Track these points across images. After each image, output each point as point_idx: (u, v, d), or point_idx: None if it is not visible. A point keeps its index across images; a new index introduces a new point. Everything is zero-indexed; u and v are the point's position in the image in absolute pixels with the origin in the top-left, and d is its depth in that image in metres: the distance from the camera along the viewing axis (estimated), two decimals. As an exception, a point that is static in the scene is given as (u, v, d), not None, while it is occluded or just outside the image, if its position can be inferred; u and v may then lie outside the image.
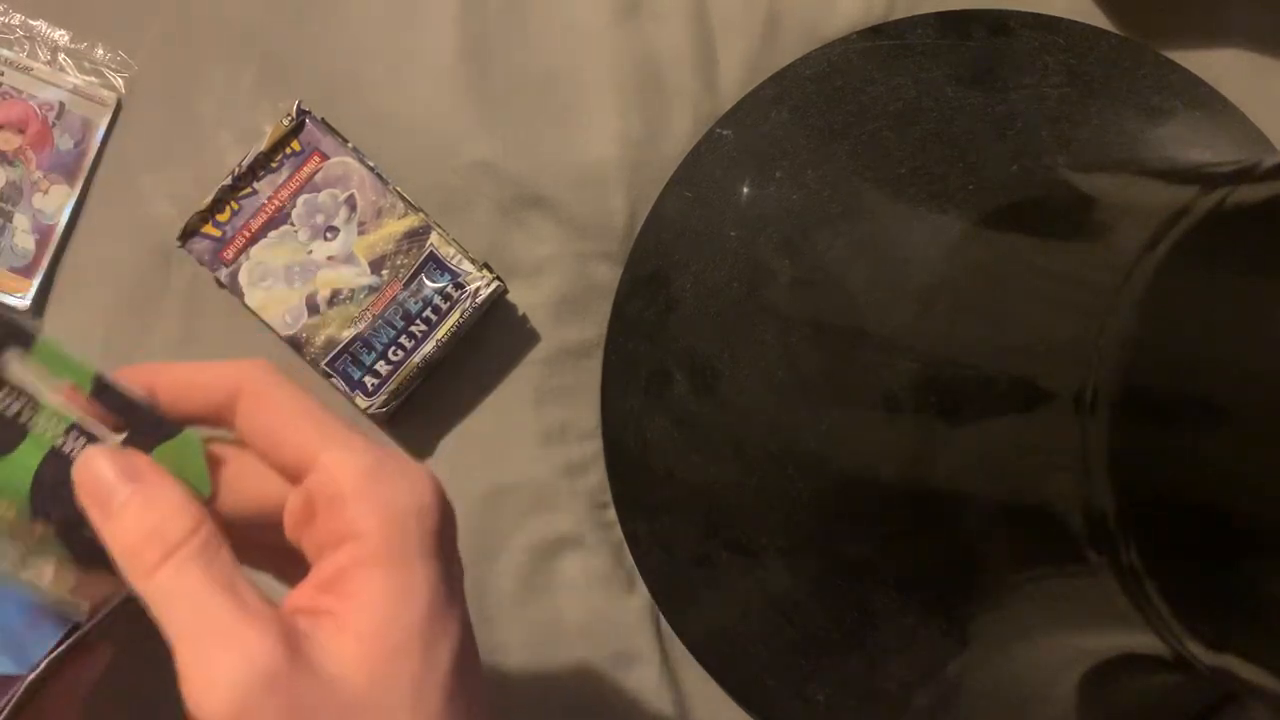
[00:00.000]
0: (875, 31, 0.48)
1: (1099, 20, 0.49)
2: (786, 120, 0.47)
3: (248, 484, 0.30)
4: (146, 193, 0.47)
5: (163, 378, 0.30)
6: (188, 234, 0.44)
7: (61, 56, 0.46)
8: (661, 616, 0.47)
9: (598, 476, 0.48)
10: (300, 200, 0.45)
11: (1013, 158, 0.46)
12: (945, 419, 0.43)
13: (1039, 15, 0.48)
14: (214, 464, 0.30)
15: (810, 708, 0.46)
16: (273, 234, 0.45)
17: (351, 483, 0.27)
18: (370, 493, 0.27)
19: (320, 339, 0.44)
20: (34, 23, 0.46)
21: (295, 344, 0.45)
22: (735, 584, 0.47)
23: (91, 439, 0.29)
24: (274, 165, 0.45)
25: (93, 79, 0.46)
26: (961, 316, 0.43)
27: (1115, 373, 0.33)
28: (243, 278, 0.45)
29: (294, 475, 0.29)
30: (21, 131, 0.45)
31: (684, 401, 0.47)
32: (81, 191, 0.46)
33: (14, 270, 0.46)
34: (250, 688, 0.25)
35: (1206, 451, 0.31)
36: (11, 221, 0.45)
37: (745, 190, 0.47)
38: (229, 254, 0.44)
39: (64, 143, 0.46)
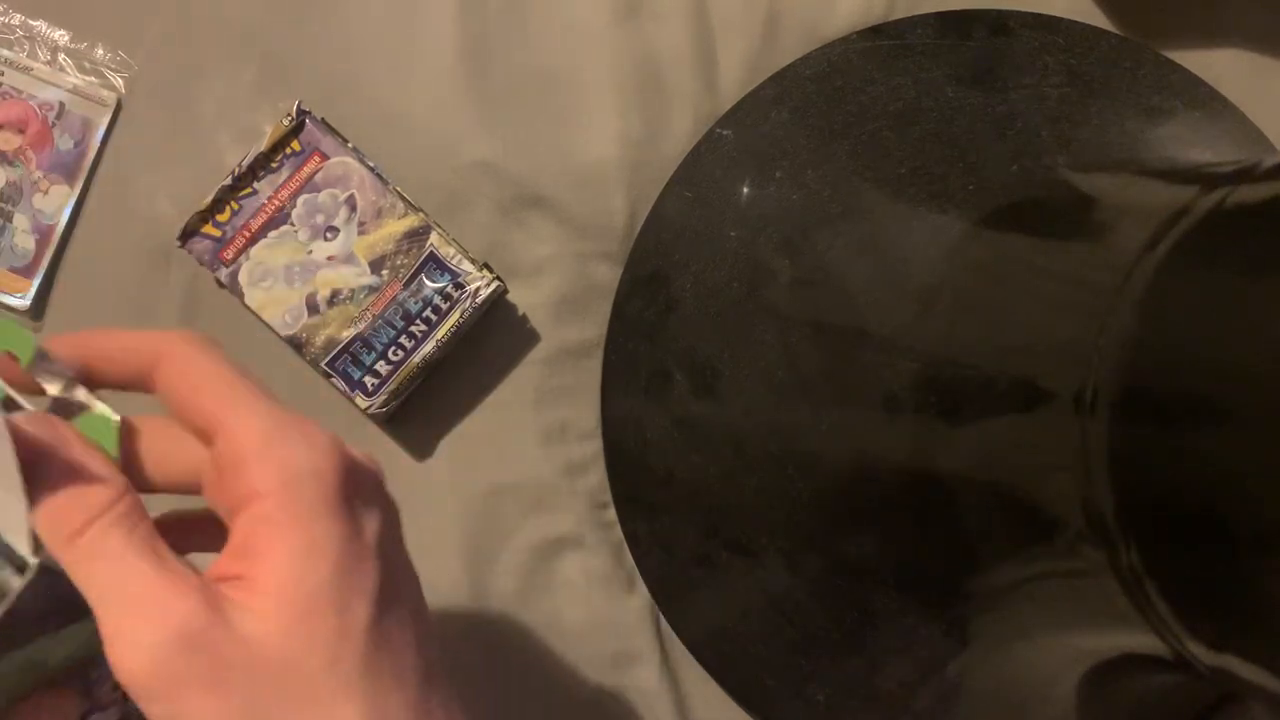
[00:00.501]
0: (875, 31, 0.48)
1: (1099, 20, 0.49)
2: (786, 120, 0.47)
3: (171, 452, 0.30)
4: (146, 192, 0.47)
5: (93, 345, 0.30)
6: (188, 234, 0.44)
7: (61, 56, 0.46)
8: (661, 616, 0.47)
9: (598, 476, 0.48)
10: (300, 200, 0.45)
11: (1013, 158, 0.46)
12: (945, 419, 0.43)
13: (1039, 15, 0.48)
14: (131, 434, 0.30)
15: (810, 708, 0.46)
16: (273, 234, 0.45)
17: (252, 445, 0.28)
18: (268, 455, 0.27)
19: (320, 339, 0.44)
20: (34, 23, 0.46)
21: (295, 344, 0.45)
22: (735, 584, 0.47)
23: (19, 409, 0.29)
24: (274, 165, 0.45)
25: (92, 79, 0.46)
26: (962, 316, 0.43)
27: (1115, 373, 0.33)
28: (243, 278, 0.45)
29: (207, 440, 0.29)
30: (21, 131, 0.45)
31: (684, 401, 0.47)
32: (81, 191, 0.46)
33: (14, 270, 0.46)
34: (171, 647, 0.25)
35: (1206, 451, 0.31)
36: (11, 221, 0.45)
37: (745, 190, 0.47)
38: (229, 254, 0.44)
39: (64, 143, 0.46)
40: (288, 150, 0.45)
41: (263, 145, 0.44)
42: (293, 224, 0.45)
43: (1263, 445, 0.29)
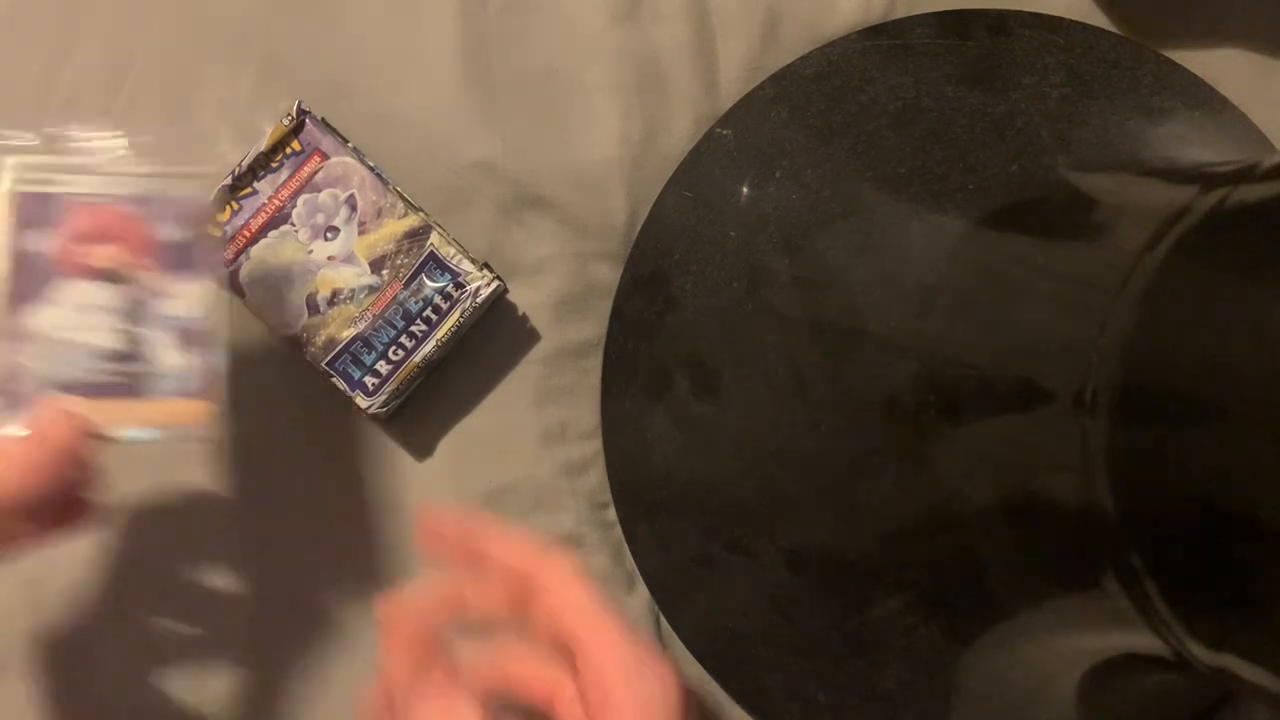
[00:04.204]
0: (875, 31, 0.48)
1: (1099, 20, 0.49)
2: (786, 120, 0.47)
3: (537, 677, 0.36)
4: (146, 193, 0.47)
5: (490, 542, 0.36)
6: (188, 234, 0.44)
7: (124, 144, 0.40)
8: (661, 616, 0.47)
9: (598, 476, 0.48)
10: (300, 200, 0.45)
11: (1013, 158, 0.46)
12: (945, 419, 0.43)
13: (1039, 15, 0.48)
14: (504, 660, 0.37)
15: (810, 708, 0.46)
16: (273, 234, 0.45)
17: (614, 675, 0.33)
18: (629, 685, 0.33)
19: (320, 339, 0.44)
20: (80, 129, 0.40)
21: (295, 344, 0.45)
22: (735, 584, 0.47)
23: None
24: (274, 165, 0.45)
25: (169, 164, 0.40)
26: (961, 316, 0.43)
27: (1115, 373, 0.33)
28: (243, 277, 0.45)
29: (565, 652, 0.35)
30: (116, 240, 0.38)
31: (684, 401, 0.47)
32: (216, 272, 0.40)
33: (183, 395, 0.38)
34: None
35: (1206, 451, 0.31)
36: (148, 345, 0.38)
37: (745, 190, 0.47)
38: (229, 254, 0.44)
39: (168, 233, 0.38)
40: (288, 150, 0.45)
41: (263, 145, 0.44)
42: (293, 224, 0.45)
43: (1263, 445, 0.29)
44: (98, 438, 0.36)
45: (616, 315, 0.47)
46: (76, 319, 0.37)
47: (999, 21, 0.48)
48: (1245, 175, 0.35)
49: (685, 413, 0.47)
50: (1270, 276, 0.31)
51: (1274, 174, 0.34)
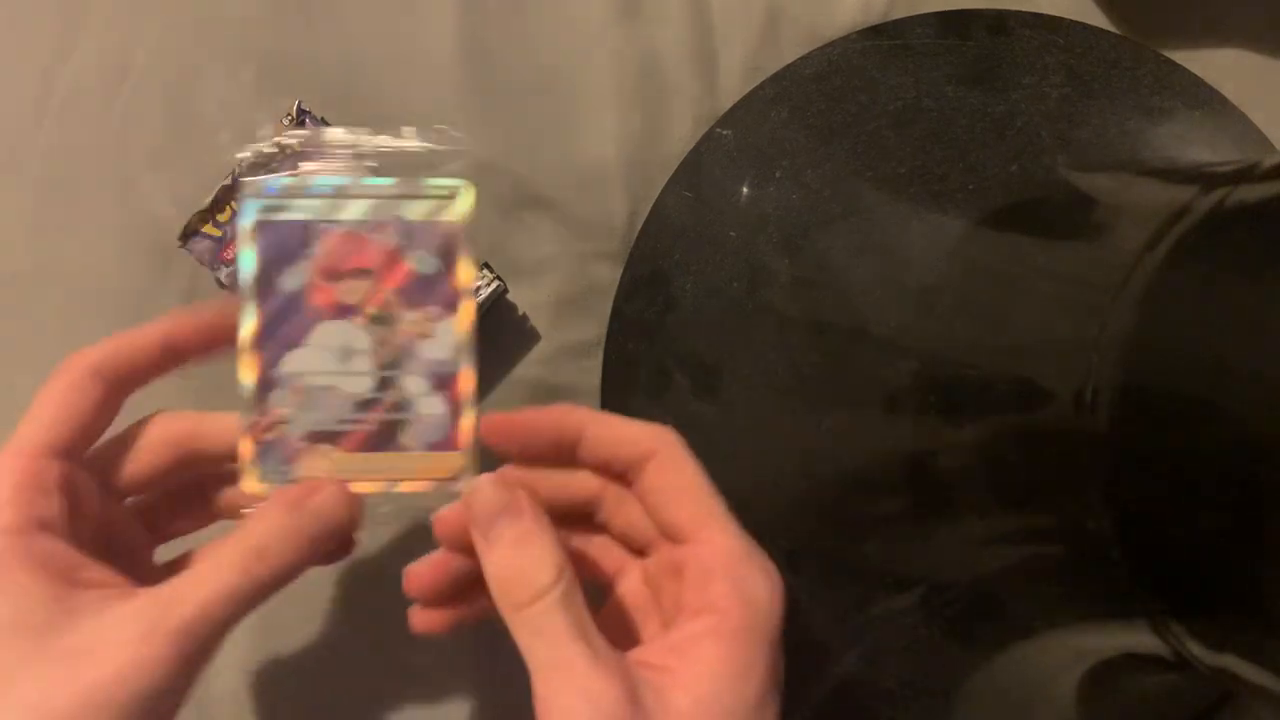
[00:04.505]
0: (875, 31, 0.48)
1: (1099, 20, 0.49)
2: (786, 120, 0.47)
3: (568, 484, 0.35)
4: (147, 192, 0.47)
5: (593, 428, 0.34)
6: (188, 234, 0.44)
7: (366, 161, 0.35)
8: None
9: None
10: (300, 200, 0.45)
11: (1013, 157, 0.46)
12: (945, 418, 0.43)
13: (1039, 15, 0.48)
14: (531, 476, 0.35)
15: (810, 708, 0.46)
16: (273, 234, 0.44)
17: (721, 563, 0.31)
18: (735, 576, 0.31)
19: (320, 339, 0.44)
20: (323, 135, 0.36)
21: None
22: (735, 584, 0.46)
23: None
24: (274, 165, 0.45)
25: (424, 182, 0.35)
26: (962, 316, 0.43)
27: (1115, 373, 0.33)
28: (243, 278, 0.44)
29: (672, 535, 0.33)
30: (365, 273, 0.34)
31: (684, 401, 0.47)
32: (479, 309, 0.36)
33: (433, 446, 0.34)
34: None
35: (1206, 451, 0.31)
36: (404, 390, 0.34)
37: (745, 190, 0.47)
38: (229, 254, 0.44)
39: (423, 264, 0.34)
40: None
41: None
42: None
43: (1263, 444, 0.29)
44: (357, 497, 0.33)
45: (616, 315, 0.47)
46: (331, 363, 0.34)
47: (999, 21, 0.48)
48: (1245, 175, 0.35)
49: (685, 413, 0.47)
50: (1271, 276, 0.31)
51: (1274, 174, 0.34)
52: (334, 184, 0.34)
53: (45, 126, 0.47)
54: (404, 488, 0.34)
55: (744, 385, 0.46)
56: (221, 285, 0.45)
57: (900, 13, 0.48)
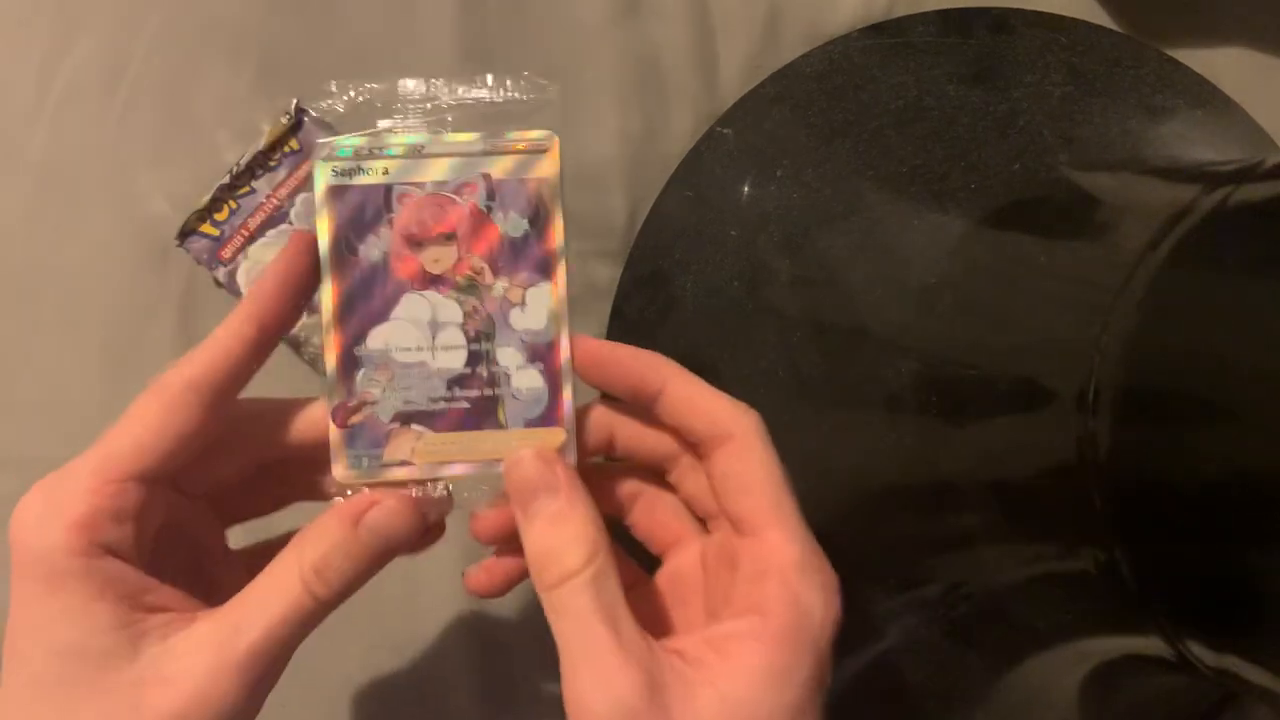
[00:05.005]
0: (877, 29, 0.48)
1: (1101, 18, 0.48)
2: (787, 119, 0.47)
3: (644, 436, 0.33)
4: (144, 191, 0.46)
5: (674, 389, 0.32)
6: (186, 233, 0.44)
7: (448, 114, 0.32)
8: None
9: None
10: (299, 199, 0.45)
11: (1014, 156, 0.46)
12: (947, 419, 0.43)
13: (1041, 13, 0.48)
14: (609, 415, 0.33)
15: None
16: (271, 233, 0.44)
17: (781, 567, 0.30)
18: (793, 581, 0.30)
19: (319, 338, 0.44)
20: (398, 90, 0.32)
21: (294, 344, 0.44)
22: (735, 584, 0.46)
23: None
24: (272, 164, 0.45)
25: (510, 129, 0.32)
26: (963, 316, 0.43)
27: (1117, 372, 0.33)
28: (240, 276, 0.44)
29: (736, 525, 0.32)
30: (450, 238, 0.31)
31: (684, 401, 0.46)
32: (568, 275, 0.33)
33: (532, 423, 0.32)
34: (612, 716, 0.28)
35: (1209, 451, 0.31)
36: (498, 363, 0.32)
37: (746, 189, 0.47)
38: (227, 253, 0.44)
39: (512, 225, 0.32)
40: (286, 149, 0.45)
41: (261, 144, 0.44)
42: (291, 222, 0.44)
43: (1264, 445, 0.29)
44: (445, 488, 0.32)
45: (616, 315, 0.47)
46: (419, 338, 0.31)
47: (1001, 19, 0.48)
48: (1248, 174, 0.34)
49: (685, 413, 0.47)
50: (1273, 276, 0.31)
51: (1276, 173, 0.34)
52: (411, 142, 0.31)
53: (42, 125, 0.47)
54: (494, 467, 0.32)
55: (744, 385, 0.46)
56: (219, 284, 0.44)
57: (902, 11, 0.48)
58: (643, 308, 0.47)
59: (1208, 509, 0.31)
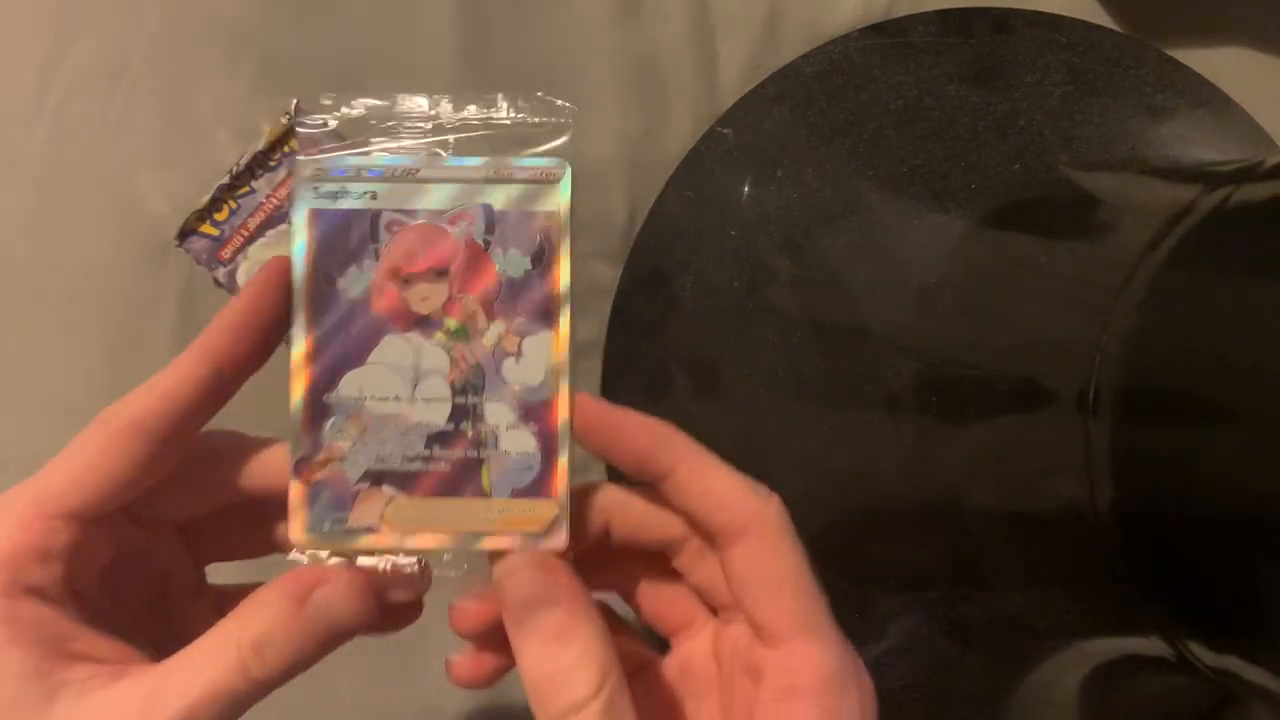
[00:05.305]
0: (877, 29, 0.48)
1: (1102, 18, 0.48)
2: (787, 119, 0.47)
3: (648, 520, 0.30)
4: (144, 191, 0.46)
5: (685, 470, 0.29)
6: (185, 233, 0.44)
7: (449, 135, 0.29)
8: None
9: (598, 478, 0.47)
10: (299, 199, 0.44)
11: (1015, 156, 0.46)
12: (947, 419, 0.43)
13: (1041, 13, 0.48)
14: (613, 501, 0.29)
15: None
16: (271, 233, 0.44)
17: (814, 687, 0.27)
18: (829, 704, 0.27)
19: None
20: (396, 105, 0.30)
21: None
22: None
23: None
24: (272, 164, 0.45)
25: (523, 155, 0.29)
26: (963, 316, 0.43)
27: (1118, 372, 0.33)
28: (240, 277, 0.44)
29: (757, 629, 0.28)
30: (442, 273, 0.28)
31: (684, 401, 0.46)
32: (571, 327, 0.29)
33: (520, 493, 0.28)
34: None
35: (1209, 451, 0.31)
36: (486, 420, 0.28)
37: (746, 189, 0.47)
38: (226, 253, 0.44)
39: (512, 264, 0.28)
40: (286, 149, 0.45)
41: (260, 144, 0.44)
42: (291, 223, 0.44)
43: (1266, 445, 0.29)
44: (417, 562, 0.28)
45: (616, 315, 0.47)
46: (398, 386, 0.28)
47: (1001, 19, 0.48)
48: (1248, 174, 0.34)
49: (686, 413, 0.47)
50: (1274, 276, 0.31)
51: (1276, 173, 0.34)
52: (406, 164, 0.28)
53: (42, 125, 0.47)
54: (486, 544, 0.28)
55: (744, 385, 0.46)
56: (219, 284, 0.44)
57: (902, 10, 0.48)
58: (643, 308, 0.47)
59: (1208, 509, 0.31)
